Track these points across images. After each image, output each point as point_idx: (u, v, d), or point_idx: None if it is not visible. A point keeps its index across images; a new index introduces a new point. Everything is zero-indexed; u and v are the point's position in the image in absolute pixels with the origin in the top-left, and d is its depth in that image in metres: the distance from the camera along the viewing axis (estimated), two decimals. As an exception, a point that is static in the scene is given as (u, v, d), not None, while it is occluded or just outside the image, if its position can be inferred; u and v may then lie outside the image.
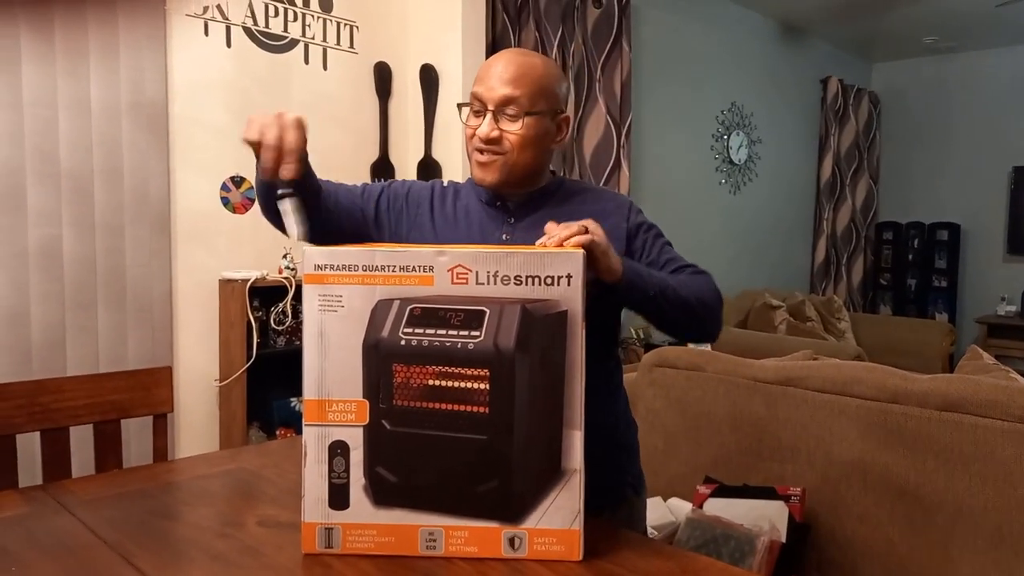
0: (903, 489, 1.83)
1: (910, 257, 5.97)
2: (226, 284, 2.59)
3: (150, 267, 2.45)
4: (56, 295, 2.27)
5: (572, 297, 0.88)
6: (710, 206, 4.76)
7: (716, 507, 2.05)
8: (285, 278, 2.62)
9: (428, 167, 3.10)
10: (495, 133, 1.18)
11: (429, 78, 3.06)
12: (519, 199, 1.26)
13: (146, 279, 2.45)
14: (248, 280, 2.51)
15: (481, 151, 1.21)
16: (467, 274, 0.88)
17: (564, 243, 0.97)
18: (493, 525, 0.89)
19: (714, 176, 4.82)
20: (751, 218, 5.06)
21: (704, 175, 4.74)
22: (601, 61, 3.77)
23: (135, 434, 2.10)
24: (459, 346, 0.88)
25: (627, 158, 3.84)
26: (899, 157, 6.11)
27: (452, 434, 0.89)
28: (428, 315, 0.89)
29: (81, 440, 1.56)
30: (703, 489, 2.12)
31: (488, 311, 0.88)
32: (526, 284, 0.87)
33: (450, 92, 3.03)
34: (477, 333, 0.88)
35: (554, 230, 1.00)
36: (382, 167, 3.10)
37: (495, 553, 0.90)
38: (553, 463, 0.89)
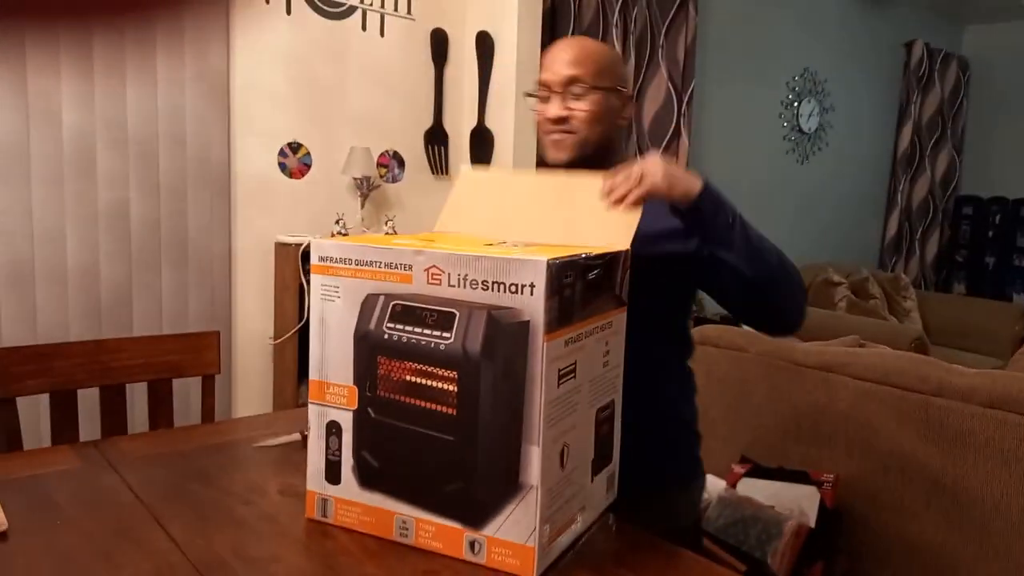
0: (940, 483, 1.80)
1: (990, 234, 5.68)
2: (281, 247, 2.68)
3: (210, 229, 2.56)
4: (123, 255, 2.40)
5: (534, 308, 0.85)
6: (775, 176, 4.62)
7: (749, 487, 2.06)
8: None
9: (481, 136, 3.09)
10: (563, 112, 1.24)
11: (485, 45, 3.05)
12: None
13: (206, 241, 2.56)
14: (301, 244, 2.60)
15: (552, 132, 1.26)
16: (441, 275, 0.90)
17: (625, 203, 1.03)
18: (457, 525, 0.92)
19: (781, 145, 4.67)
20: (819, 189, 4.89)
21: (770, 144, 4.60)
22: (665, 26, 3.67)
23: (193, 390, 2.23)
24: (432, 345, 0.90)
25: (687, 127, 3.76)
26: (986, 127, 5.77)
27: (425, 431, 0.92)
28: (407, 312, 0.92)
29: (138, 397, 1.67)
30: (737, 468, 2.13)
31: (458, 314, 0.89)
32: (492, 290, 0.87)
33: (506, 60, 3.01)
34: (448, 335, 0.89)
35: (610, 187, 1.04)
36: (435, 135, 3.11)
37: (457, 553, 0.92)
38: (512, 475, 0.88)
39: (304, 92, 2.78)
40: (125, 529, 1.00)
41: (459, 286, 0.88)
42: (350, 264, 0.94)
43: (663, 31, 3.67)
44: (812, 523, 1.90)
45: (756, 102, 4.46)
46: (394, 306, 0.93)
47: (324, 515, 1.00)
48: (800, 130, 4.74)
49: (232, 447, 1.34)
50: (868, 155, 5.30)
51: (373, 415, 0.95)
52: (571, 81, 1.24)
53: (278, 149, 2.74)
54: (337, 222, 2.71)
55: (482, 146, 3.10)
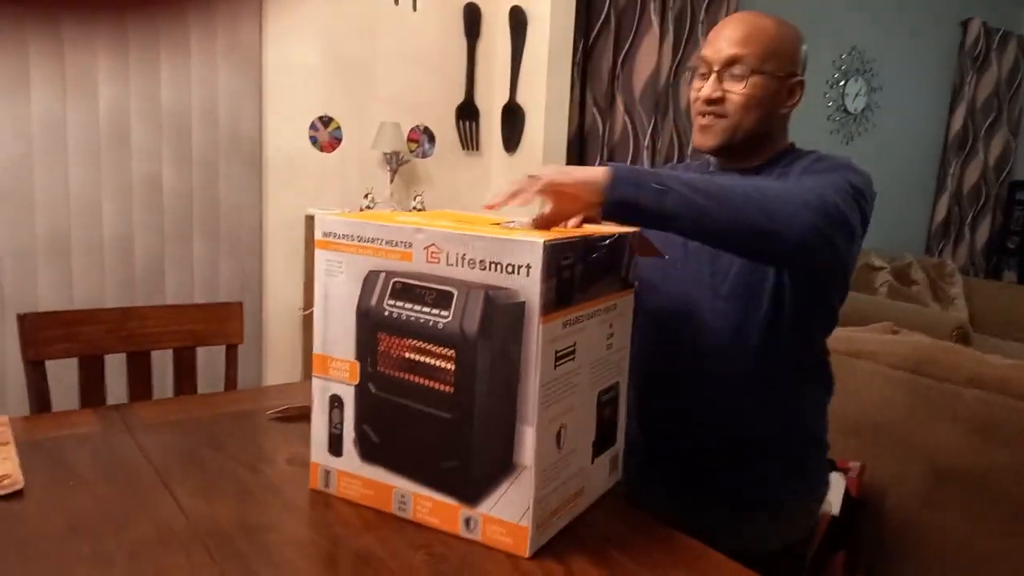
0: (969, 476, 1.75)
1: (1045, 221, 5.46)
2: (311, 220, 2.69)
3: (241, 202, 2.60)
4: (157, 226, 2.45)
5: (530, 289, 0.84)
6: (818, 157, 4.49)
7: (772, 474, 2.03)
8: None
9: (512, 112, 3.07)
10: (717, 93, 1.14)
11: (518, 20, 3.01)
12: (745, 171, 1.19)
13: (238, 213, 2.60)
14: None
15: (703, 114, 1.17)
16: (439, 254, 0.89)
17: (519, 199, 0.91)
18: (452, 502, 0.92)
19: (824, 125, 4.54)
20: None
21: (813, 124, 4.47)
22: (706, 2, 3.59)
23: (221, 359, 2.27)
24: (431, 324, 0.90)
25: (726, 105, 3.67)
26: (1045, 109, 5.53)
27: (423, 407, 0.92)
28: (407, 290, 0.92)
29: (166, 364, 1.71)
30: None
31: (456, 292, 0.89)
32: (489, 270, 0.86)
33: (538, 35, 2.97)
34: (446, 313, 0.89)
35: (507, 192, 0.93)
36: (467, 110, 3.10)
37: (453, 529, 0.92)
38: (507, 455, 0.88)
39: (336, 67, 2.79)
40: (135, 493, 1.02)
41: (457, 265, 0.88)
42: (352, 240, 0.94)
43: (704, 7, 3.58)
44: (836, 511, 1.87)
45: None
46: (395, 283, 0.93)
47: (327, 486, 1.02)
48: (845, 110, 4.60)
49: (248, 416, 1.36)
50: (917, 137, 5.12)
51: (373, 390, 0.96)
52: (732, 61, 1.13)
53: (309, 123, 2.76)
54: (366, 196, 2.72)
55: (513, 122, 3.08)
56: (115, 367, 1.70)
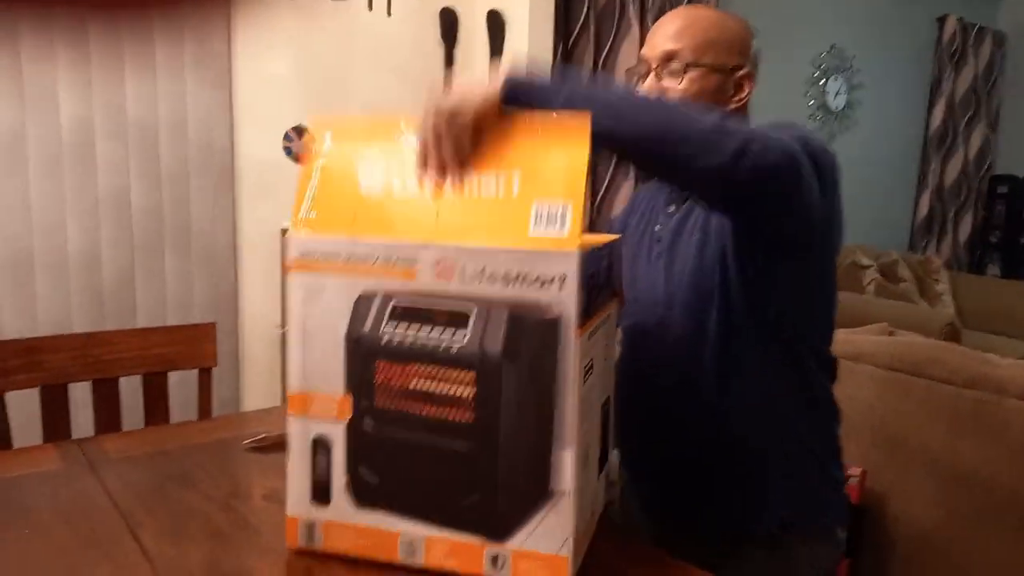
0: (973, 480, 1.70)
1: (1026, 214, 5.48)
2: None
3: (214, 217, 2.51)
4: (126, 244, 2.36)
5: (565, 302, 0.78)
6: (800, 157, 4.47)
7: (770, 483, 1.97)
8: None
9: (492, 117, 3.00)
10: (655, 92, 1.09)
11: (496, 24, 2.96)
12: None
13: (211, 228, 2.51)
14: None
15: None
16: (452, 270, 0.81)
17: (452, 170, 0.84)
18: (475, 541, 0.84)
19: (805, 124, 4.52)
20: (846, 169, 4.58)
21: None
22: (684, 3, 3.55)
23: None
24: (443, 347, 0.82)
25: (708, 106, 3.63)
26: (1022, 104, 5.55)
27: (435, 440, 0.84)
28: (411, 311, 0.83)
29: (135, 391, 1.63)
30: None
31: (474, 311, 0.81)
32: (514, 284, 0.79)
33: (517, 39, 2.91)
34: (462, 334, 0.81)
35: (422, 161, 0.85)
36: (446, 117, 3.03)
37: (476, 570, 0.84)
38: (541, 483, 0.82)
39: (309, 76, 2.72)
40: (96, 538, 0.94)
41: (474, 281, 0.80)
42: (338, 259, 0.85)
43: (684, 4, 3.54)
44: (836, 521, 1.81)
45: (780, 80, 4.31)
46: (394, 305, 0.84)
47: (310, 541, 0.91)
48: (827, 108, 4.58)
49: (220, 446, 1.28)
50: (898, 134, 5.12)
51: (371, 427, 0.87)
52: (668, 57, 1.08)
53: (283, 134, 2.68)
54: None
55: None
56: (81, 396, 1.62)
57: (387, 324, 0.84)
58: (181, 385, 1.90)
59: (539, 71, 0.90)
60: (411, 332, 0.83)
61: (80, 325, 2.27)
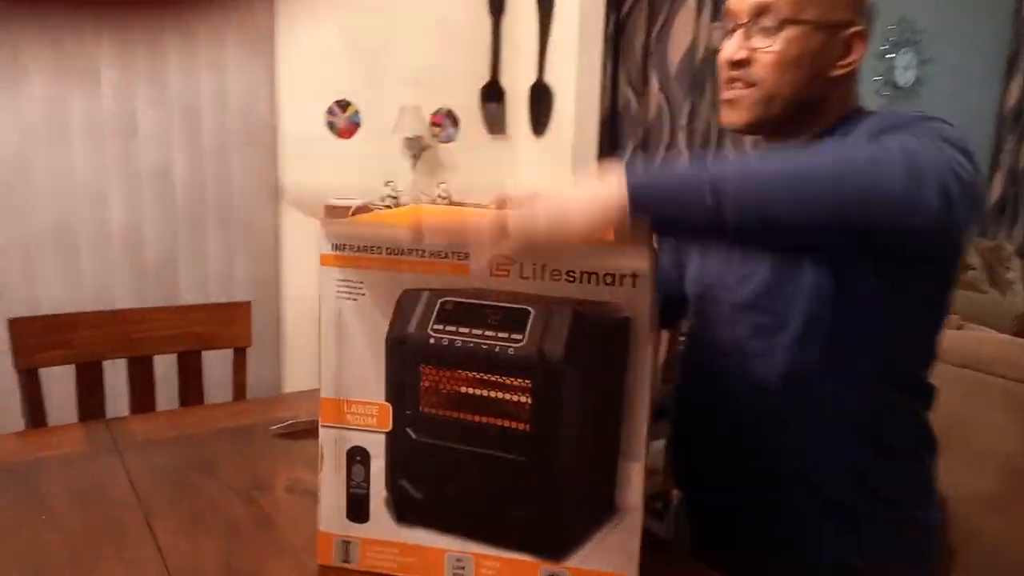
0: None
1: (1109, 198, 5.14)
2: (331, 210, 2.58)
3: (257, 191, 2.49)
4: (168, 217, 2.35)
5: (637, 302, 0.70)
6: (864, 135, 4.26)
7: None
8: (387, 206, 2.58)
9: (540, 92, 2.91)
10: (742, 53, 0.89)
11: (545, -6, 2.84)
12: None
13: (253, 203, 2.49)
14: (351, 207, 2.50)
15: (729, 82, 0.92)
16: (510, 265, 0.73)
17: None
18: (530, 559, 0.77)
19: (872, 100, 4.29)
20: None
21: (861, 99, 4.23)
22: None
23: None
24: (497, 350, 0.74)
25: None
26: (1109, 79, 5.19)
27: (487, 451, 0.76)
28: (462, 311, 0.75)
29: (170, 369, 1.60)
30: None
31: (533, 311, 0.73)
32: (580, 281, 0.72)
33: (568, 9, 2.79)
34: (519, 336, 0.73)
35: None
36: (492, 91, 2.95)
37: None
38: (605, 497, 0.75)
39: (353, 48, 2.66)
40: (111, 529, 0.91)
41: (535, 278, 0.73)
42: (380, 253, 0.76)
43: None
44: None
45: None
46: (443, 303, 0.76)
47: (346, 560, 0.83)
48: (895, 84, 4.35)
49: (249, 432, 1.24)
50: (970, 111, 4.83)
51: (415, 436, 0.79)
52: (760, 10, 0.88)
53: (326, 107, 2.64)
54: (386, 184, 2.59)
55: (541, 103, 2.92)
56: (116, 374, 1.60)
57: (435, 324, 0.76)
58: (219, 364, 1.88)
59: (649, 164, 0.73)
60: (462, 333, 0.75)
61: (123, 299, 2.28)
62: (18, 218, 2.17)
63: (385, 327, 0.78)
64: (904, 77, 4.37)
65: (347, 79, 2.66)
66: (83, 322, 1.50)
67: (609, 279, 0.71)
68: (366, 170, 2.68)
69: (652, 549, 0.85)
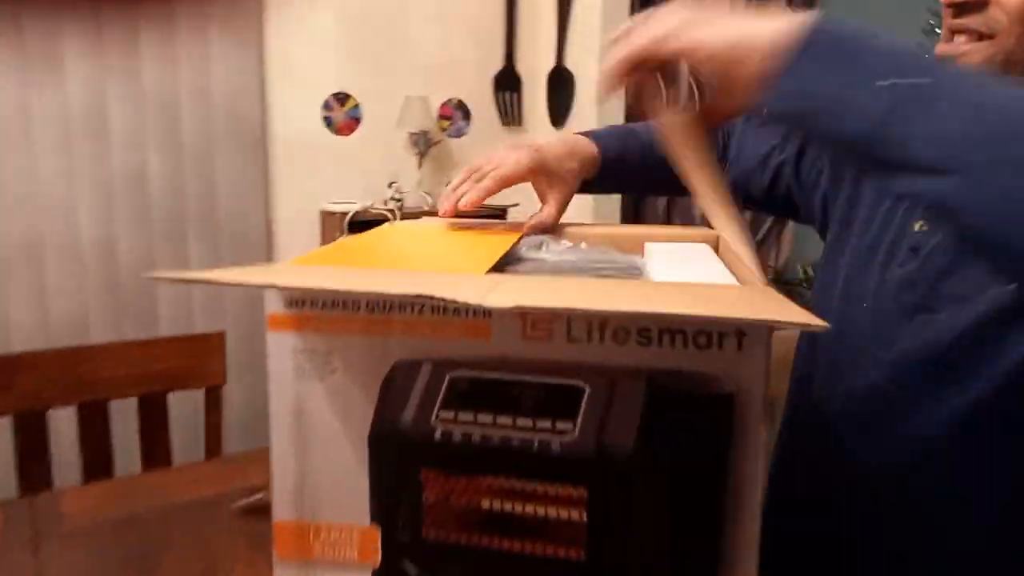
0: None
1: None
2: (328, 216, 2.45)
3: (245, 196, 2.35)
4: (144, 227, 2.22)
5: (748, 374, 0.51)
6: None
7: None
8: (389, 210, 2.43)
9: (560, 79, 2.73)
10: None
11: (564, -30, 2.68)
12: None
13: (241, 209, 2.35)
14: (348, 213, 2.31)
15: (954, 32, 0.69)
16: (550, 323, 0.52)
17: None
18: None
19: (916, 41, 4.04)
20: None
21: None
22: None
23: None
24: (536, 446, 0.52)
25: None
26: None
27: None
28: (482, 389, 0.53)
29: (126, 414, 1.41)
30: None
31: (588, 387, 0.52)
32: (657, 343, 0.51)
33: (588, -13, 2.64)
34: (568, 425, 0.52)
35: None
36: (507, 79, 2.79)
37: None
38: None
39: (352, 33, 2.51)
40: None
41: (590, 340, 0.52)
42: (357, 310, 0.55)
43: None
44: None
45: (891, 30, 3.86)
46: (453, 380, 0.53)
47: None
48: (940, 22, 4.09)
49: (209, 507, 1.03)
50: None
51: (415, 574, 0.56)
52: None
53: (322, 101, 2.48)
54: (390, 186, 2.44)
55: (561, 91, 2.75)
56: (66, 423, 1.40)
57: (442, 410, 0.52)
58: (193, 405, 1.69)
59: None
60: (482, 423, 0.52)
61: (97, 319, 2.16)
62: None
63: (368, 416, 0.55)
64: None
65: (345, 69, 2.51)
66: (27, 364, 1.32)
67: (703, 339, 0.50)
68: (367, 170, 2.55)
69: None
